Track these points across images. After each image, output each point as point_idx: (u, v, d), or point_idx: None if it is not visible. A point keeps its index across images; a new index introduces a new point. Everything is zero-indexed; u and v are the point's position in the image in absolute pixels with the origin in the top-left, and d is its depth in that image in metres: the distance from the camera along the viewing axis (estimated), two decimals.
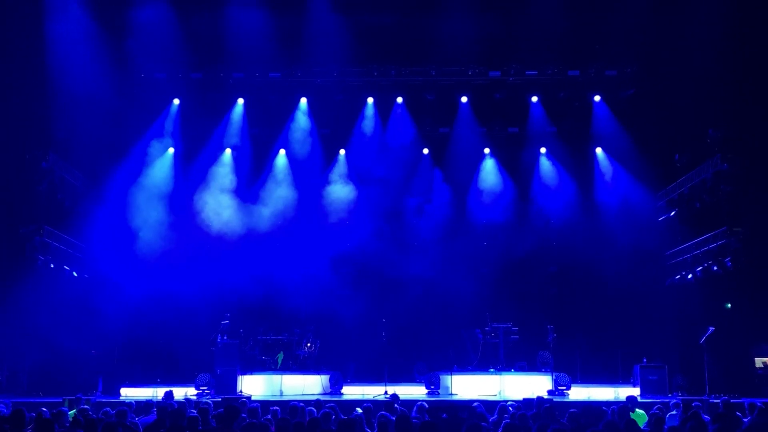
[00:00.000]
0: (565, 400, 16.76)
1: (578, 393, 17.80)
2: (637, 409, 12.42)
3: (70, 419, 9.97)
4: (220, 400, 13.97)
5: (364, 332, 20.25)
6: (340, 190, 21.73)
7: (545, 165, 21.94)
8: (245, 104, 21.63)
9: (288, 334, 20.02)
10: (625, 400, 13.06)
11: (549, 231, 21.67)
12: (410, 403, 11.71)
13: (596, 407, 9.86)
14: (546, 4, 18.50)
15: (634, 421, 9.25)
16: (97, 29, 18.52)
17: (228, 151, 21.57)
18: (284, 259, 20.62)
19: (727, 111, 17.77)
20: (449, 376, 18.42)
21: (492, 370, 19.04)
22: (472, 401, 12.67)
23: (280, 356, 19.76)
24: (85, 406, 12.31)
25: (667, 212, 20.55)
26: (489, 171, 22.12)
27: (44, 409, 10.49)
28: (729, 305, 19.06)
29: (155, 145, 21.08)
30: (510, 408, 11.07)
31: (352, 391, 18.64)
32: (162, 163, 21.22)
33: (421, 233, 21.74)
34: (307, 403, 11.65)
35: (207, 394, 17.11)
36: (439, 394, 18.08)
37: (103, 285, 19.42)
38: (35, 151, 18.01)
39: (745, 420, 9.84)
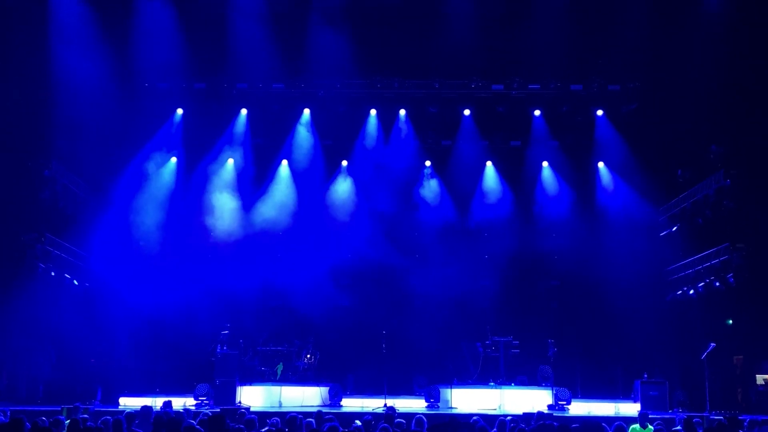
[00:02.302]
0: (566, 414, 16.69)
1: (578, 408, 17.73)
2: (648, 425, 12.41)
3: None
4: (218, 410, 13.92)
5: (364, 344, 20.19)
6: (341, 202, 21.73)
7: (547, 178, 21.93)
8: (248, 115, 21.66)
9: (288, 345, 19.99)
10: (622, 416, 13.03)
11: (551, 245, 21.61)
12: (409, 417, 11.64)
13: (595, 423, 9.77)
14: (549, 19, 18.57)
15: None
16: (101, 38, 18.57)
17: (231, 161, 21.59)
18: (285, 270, 20.61)
19: (730, 127, 17.76)
20: (449, 390, 18.34)
21: (492, 383, 18.97)
22: (471, 415, 12.59)
23: (280, 367, 19.72)
24: (84, 416, 12.30)
25: (669, 227, 20.51)
26: (491, 184, 22.11)
27: (43, 417, 10.45)
28: (730, 321, 19.01)
29: (158, 155, 21.11)
30: (508, 423, 11.00)
31: (351, 404, 18.57)
32: (165, 173, 21.24)
33: (422, 245, 21.70)
34: (306, 414, 11.60)
35: (206, 404, 17.06)
36: (438, 407, 18.00)
37: (103, 294, 19.43)
38: (38, 159, 18.05)
39: None
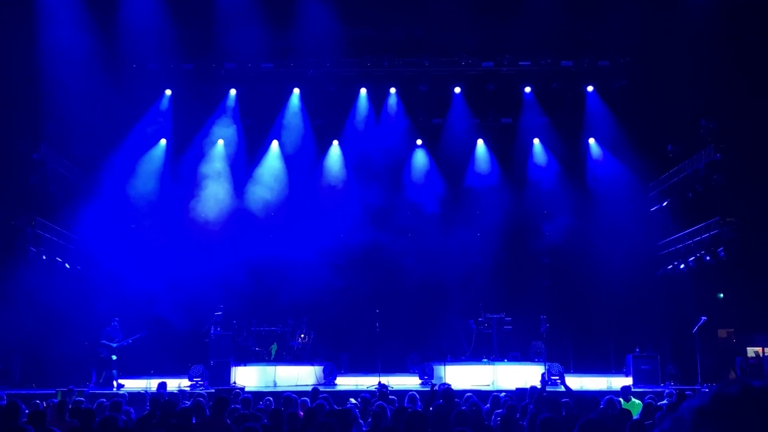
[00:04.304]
0: (558, 389, 16.79)
1: (571, 382, 17.82)
2: (632, 399, 12.48)
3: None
4: (213, 391, 13.97)
5: (358, 323, 20.28)
6: (332, 181, 21.71)
7: (538, 155, 21.94)
8: (238, 95, 21.54)
9: (281, 325, 20.03)
10: (619, 390, 13.12)
11: (542, 221, 21.67)
12: (402, 394, 11.72)
13: (590, 397, 9.89)
14: None
15: (627, 411, 9.31)
16: (88, 19, 18.39)
17: (221, 142, 21.50)
18: (277, 250, 20.60)
19: (720, 101, 17.77)
20: (442, 367, 18.43)
21: (485, 360, 19.08)
22: (465, 391, 12.68)
23: (274, 347, 19.78)
24: (79, 398, 12.32)
25: (660, 202, 20.59)
26: (482, 161, 22.11)
27: (37, 401, 10.47)
28: (721, 295, 19.14)
29: (147, 136, 21.00)
30: (502, 398, 11.07)
31: (345, 382, 18.67)
32: (154, 154, 21.14)
33: (414, 224, 21.72)
34: (300, 394, 11.65)
35: (201, 385, 17.12)
36: (432, 384, 18.09)
37: (95, 276, 19.39)
38: (26, 143, 17.92)
39: None
